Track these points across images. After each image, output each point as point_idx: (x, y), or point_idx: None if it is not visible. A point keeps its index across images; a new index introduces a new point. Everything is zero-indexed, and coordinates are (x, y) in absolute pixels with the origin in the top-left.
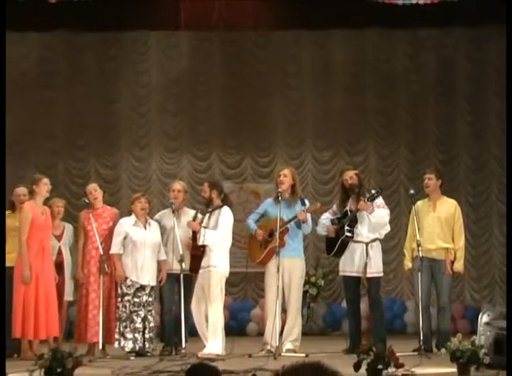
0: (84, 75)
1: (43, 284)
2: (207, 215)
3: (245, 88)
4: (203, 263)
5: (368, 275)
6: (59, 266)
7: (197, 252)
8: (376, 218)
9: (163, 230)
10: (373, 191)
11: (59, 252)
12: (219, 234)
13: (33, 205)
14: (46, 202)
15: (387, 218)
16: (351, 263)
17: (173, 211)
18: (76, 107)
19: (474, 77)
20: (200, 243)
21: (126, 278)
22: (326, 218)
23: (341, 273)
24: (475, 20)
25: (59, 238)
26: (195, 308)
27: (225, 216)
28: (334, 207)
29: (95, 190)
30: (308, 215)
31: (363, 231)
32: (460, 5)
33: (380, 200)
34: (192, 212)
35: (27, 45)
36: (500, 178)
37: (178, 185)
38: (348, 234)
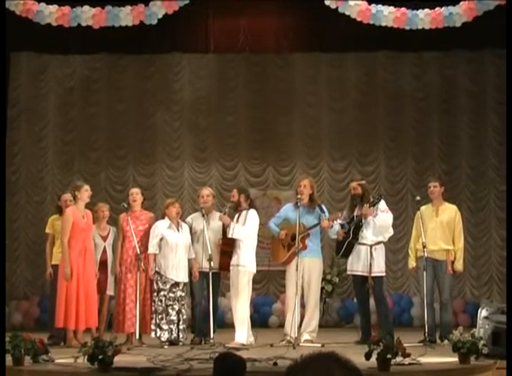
0: (124, 93)
1: (84, 281)
2: (236, 217)
3: (268, 105)
4: (233, 261)
5: (372, 274)
6: (103, 264)
7: (227, 249)
8: (380, 221)
9: (193, 232)
10: (375, 197)
11: (104, 251)
12: (247, 230)
13: (74, 209)
14: (92, 207)
15: (390, 221)
16: (357, 263)
17: (203, 215)
18: (116, 121)
19: (474, 95)
20: (229, 236)
21: (161, 275)
22: (336, 223)
23: (349, 272)
24: (475, 44)
25: (104, 238)
26: (231, 302)
27: (252, 216)
28: (344, 213)
29: (136, 194)
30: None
31: (368, 234)
32: (461, 30)
33: (383, 206)
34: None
35: (72, 66)
36: (497, 185)
37: (206, 191)
38: (354, 237)
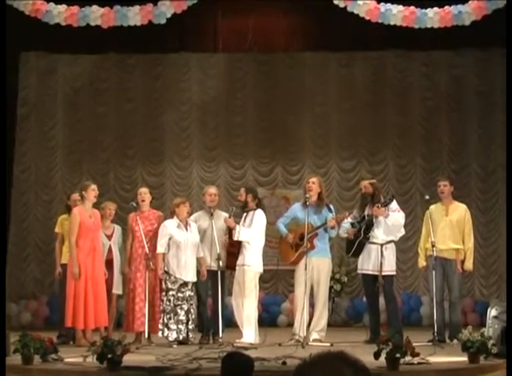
0: (132, 92)
1: (92, 280)
2: (243, 217)
3: (276, 104)
4: (239, 261)
5: (382, 273)
6: (109, 263)
7: (233, 250)
8: (391, 221)
9: (198, 230)
10: (387, 197)
11: (110, 250)
12: (252, 232)
13: (81, 209)
14: (99, 206)
15: (402, 221)
16: (367, 262)
17: (211, 214)
18: (125, 121)
19: (482, 94)
20: (235, 238)
21: (170, 275)
22: (346, 222)
23: (359, 271)
24: (483, 43)
25: (109, 237)
26: (234, 301)
27: (259, 217)
28: (355, 211)
29: (145, 193)
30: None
31: (379, 234)
32: (470, 28)
33: (395, 205)
34: (224, 214)
35: (81, 66)
36: None
37: (213, 189)
38: (365, 236)
